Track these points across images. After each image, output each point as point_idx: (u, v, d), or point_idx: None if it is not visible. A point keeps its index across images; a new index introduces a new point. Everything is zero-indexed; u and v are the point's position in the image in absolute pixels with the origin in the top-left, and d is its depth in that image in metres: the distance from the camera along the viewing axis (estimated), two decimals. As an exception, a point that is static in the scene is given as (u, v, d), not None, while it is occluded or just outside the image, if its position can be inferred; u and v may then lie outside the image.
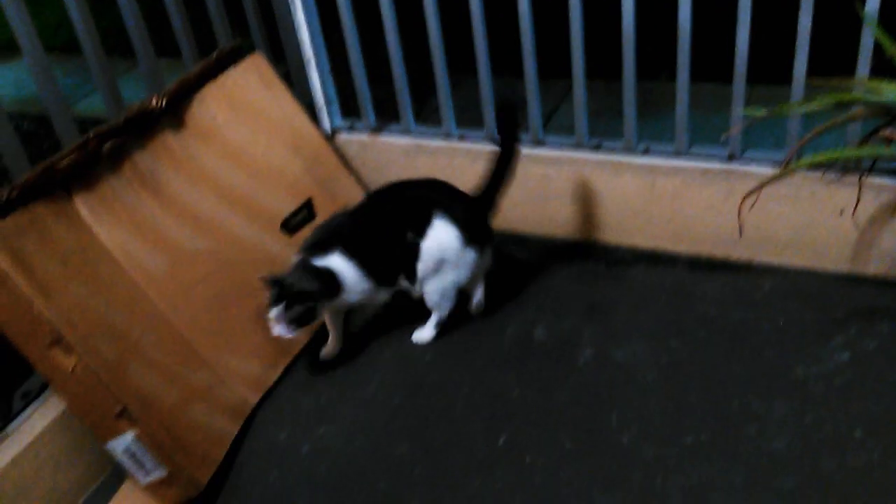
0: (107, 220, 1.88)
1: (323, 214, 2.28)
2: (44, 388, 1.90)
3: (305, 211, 2.26)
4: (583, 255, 2.34)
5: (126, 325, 1.82)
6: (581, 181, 2.30)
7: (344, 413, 1.98)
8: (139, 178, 1.98)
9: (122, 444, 1.77)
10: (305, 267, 1.94)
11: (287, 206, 2.23)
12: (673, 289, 2.17)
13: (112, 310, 1.81)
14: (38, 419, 1.85)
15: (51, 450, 1.85)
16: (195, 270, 2.01)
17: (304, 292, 1.88)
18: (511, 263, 2.36)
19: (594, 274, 2.26)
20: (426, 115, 2.59)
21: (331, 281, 1.93)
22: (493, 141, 2.32)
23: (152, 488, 1.83)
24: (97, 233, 1.86)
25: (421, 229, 1.98)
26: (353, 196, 2.37)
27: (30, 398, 1.89)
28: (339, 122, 2.60)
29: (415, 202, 2.04)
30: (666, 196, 2.22)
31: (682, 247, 2.27)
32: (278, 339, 1.93)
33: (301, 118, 2.34)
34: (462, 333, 2.14)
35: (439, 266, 2.01)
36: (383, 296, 2.07)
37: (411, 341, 2.14)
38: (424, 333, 2.14)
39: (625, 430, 1.81)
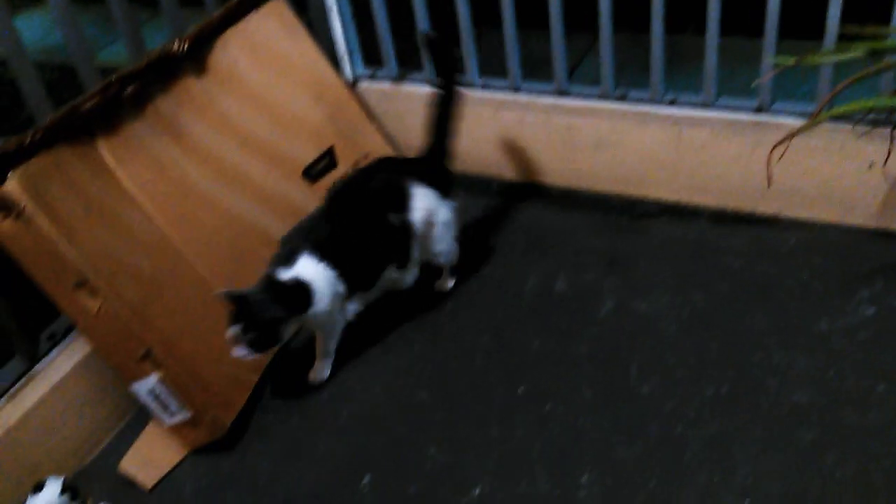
0: (130, 164, 1.88)
1: (344, 163, 2.27)
2: (69, 329, 1.92)
3: (327, 159, 2.25)
4: (605, 207, 2.32)
5: (149, 268, 1.83)
6: (605, 132, 2.27)
7: (365, 360, 1.99)
8: (161, 122, 1.97)
9: (146, 385, 1.80)
10: (269, 285, 1.78)
11: (309, 154, 2.22)
12: (696, 242, 2.15)
13: (135, 253, 1.82)
14: (64, 360, 1.88)
15: (77, 391, 1.88)
16: (216, 217, 2.01)
17: (262, 317, 1.73)
18: (532, 215, 2.34)
19: (617, 226, 2.25)
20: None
21: (298, 295, 1.79)
22: (430, 83, 2.25)
23: (176, 430, 1.86)
24: (120, 176, 1.86)
25: (402, 206, 1.93)
26: (375, 145, 2.36)
27: (56, 339, 1.92)
28: (361, 70, 2.57)
29: (381, 184, 1.96)
30: (692, 148, 2.18)
31: (707, 200, 2.24)
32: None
33: (323, 65, 2.31)
34: (482, 285, 2.14)
35: (436, 229, 1.99)
36: (353, 308, 1.94)
37: (432, 290, 2.14)
38: (446, 283, 2.14)
39: (645, 382, 1.81)
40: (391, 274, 1.98)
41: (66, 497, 1.68)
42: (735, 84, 2.15)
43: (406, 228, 1.94)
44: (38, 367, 1.87)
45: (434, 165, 2.04)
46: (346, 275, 1.86)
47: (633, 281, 2.06)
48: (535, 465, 1.69)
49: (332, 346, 1.96)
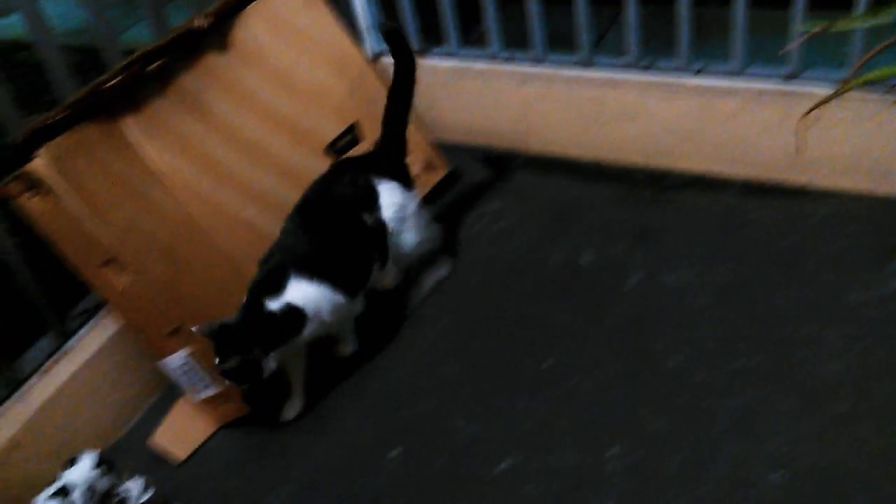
0: (154, 141, 1.88)
1: (368, 139, 2.26)
2: (99, 306, 1.94)
3: (351, 135, 2.24)
4: (632, 179, 2.29)
5: (176, 245, 1.84)
6: (631, 104, 2.24)
7: (391, 335, 1.99)
8: (185, 99, 1.97)
9: (176, 361, 1.81)
10: (257, 316, 1.69)
11: (332, 130, 2.21)
12: (725, 214, 2.12)
13: (162, 230, 1.83)
14: (95, 337, 1.90)
15: (107, 367, 1.90)
16: (242, 194, 2.01)
17: (246, 353, 1.65)
18: (558, 188, 2.33)
19: (644, 199, 2.22)
20: (471, 39, 2.54)
21: (291, 322, 1.72)
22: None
23: (206, 404, 1.87)
24: (145, 154, 1.86)
25: (373, 205, 1.89)
26: (399, 120, 2.34)
27: (86, 316, 1.94)
28: (383, 45, 2.55)
29: (348, 186, 1.90)
30: (720, 118, 2.15)
31: (735, 171, 2.21)
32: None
33: (344, 40, 2.30)
34: (508, 258, 2.13)
35: (404, 224, 1.94)
36: (356, 307, 1.90)
37: (457, 265, 2.13)
38: (441, 272, 2.10)
39: (673, 355, 1.79)
40: (376, 274, 1.92)
41: (99, 471, 1.70)
42: (764, 53, 2.11)
43: (380, 226, 1.90)
44: (69, 343, 1.89)
45: (393, 158, 1.99)
46: (341, 283, 1.80)
47: (660, 253, 2.04)
48: (564, 437, 1.69)
49: (350, 332, 1.96)
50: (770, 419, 1.63)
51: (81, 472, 1.68)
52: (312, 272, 1.75)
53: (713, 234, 2.07)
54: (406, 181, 1.98)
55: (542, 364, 1.84)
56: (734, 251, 2.00)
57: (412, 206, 1.97)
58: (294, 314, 1.72)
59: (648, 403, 1.71)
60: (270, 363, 1.68)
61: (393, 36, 1.98)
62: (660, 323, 1.87)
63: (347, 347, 1.96)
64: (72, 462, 1.70)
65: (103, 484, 1.70)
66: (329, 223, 1.85)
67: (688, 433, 1.64)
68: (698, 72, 2.16)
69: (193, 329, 1.66)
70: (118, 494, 1.61)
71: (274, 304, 1.70)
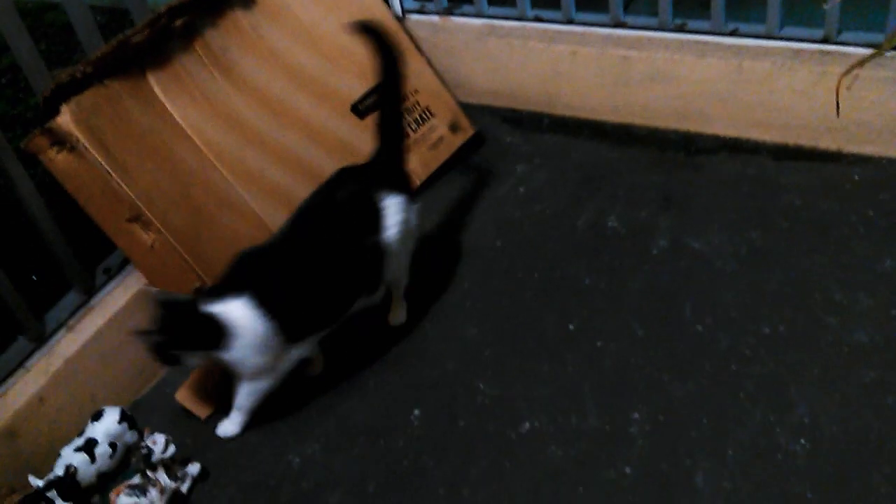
0: (180, 97, 1.87)
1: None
2: (125, 263, 1.95)
3: (376, 94, 2.21)
4: (661, 142, 2.25)
5: (202, 201, 1.84)
6: (662, 64, 2.19)
7: (414, 296, 1.99)
8: (211, 56, 1.96)
9: (199, 318, 1.82)
10: (190, 310, 1.61)
11: (357, 89, 2.19)
12: (756, 178, 2.08)
13: (188, 187, 1.83)
14: (120, 293, 1.91)
15: (132, 323, 1.91)
16: (267, 152, 2.00)
17: (168, 337, 1.60)
18: (585, 151, 2.29)
19: (673, 162, 2.18)
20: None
21: (209, 334, 1.60)
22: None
23: (229, 362, 1.88)
24: (171, 110, 1.86)
25: (376, 225, 1.72)
26: (423, 80, 2.31)
27: (111, 273, 1.95)
28: (410, 3, 2.51)
29: (351, 204, 1.73)
30: (753, 80, 2.10)
31: (768, 135, 2.16)
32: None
33: (371, -3, 2.27)
34: (533, 221, 2.11)
35: (405, 243, 1.80)
36: (297, 354, 1.72)
37: (480, 228, 2.11)
38: (400, 316, 1.92)
39: (699, 320, 1.77)
40: (361, 303, 1.78)
41: (123, 426, 1.72)
42: (799, 13, 2.05)
43: (379, 250, 1.73)
44: (94, 299, 1.91)
45: (395, 167, 1.82)
46: (289, 325, 1.63)
47: (688, 218, 2.01)
48: (586, 401, 1.68)
49: (250, 403, 1.74)
50: (797, 387, 1.61)
51: (106, 426, 1.70)
52: (263, 301, 1.60)
53: (743, 198, 2.03)
54: (410, 192, 1.81)
55: (567, 327, 1.83)
56: (764, 216, 1.96)
57: (413, 221, 1.81)
58: (215, 328, 1.59)
59: (673, 368, 1.69)
60: (191, 360, 1.64)
61: (372, 33, 1.80)
62: (686, 288, 1.84)
63: (317, 367, 1.85)
64: (97, 416, 1.72)
65: (127, 438, 1.73)
66: (314, 248, 1.68)
67: (712, 399, 1.62)
68: (732, 32, 2.11)
69: (153, 291, 1.63)
70: (142, 449, 1.63)
71: (208, 307, 1.59)
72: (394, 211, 1.74)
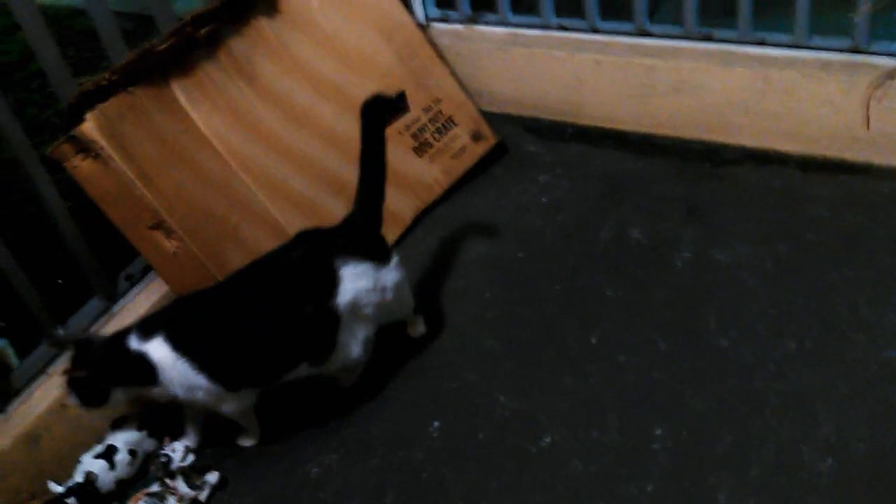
0: (204, 106, 1.88)
1: (415, 107, 2.23)
2: (147, 269, 1.95)
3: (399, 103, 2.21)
4: (685, 153, 2.23)
5: (224, 210, 1.84)
6: (687, 74, 2.17)
7: (434, 307, 1.98)
8: (235, 65, 1.96)
9: (220, 326, 1.82)
10: (114, 346, 1.60)
11: (380, 98, 2.18)
12: (782, 190, 2.05)
13: (210, 195, 1.83)
14: (142, 300, 1.92)
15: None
16: (290, 161, 2.01)
17: (95, 376, 1.58)
18: (608, 161, 2.27)
19: (697, 173, 2.16)
20: (523, 6, 2.48)
21: (138, 372, 1.58)
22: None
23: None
24: (195, 118, 1.87)
25: (326, 291, 1.62)
26: (446, 88, 2.30)
27: (133, 280, 1.96)
28: (433, 11, 2.51)
29: (299, 266, 1.65)
30: (780, 90, 2.07)
31: (794, 146, 2.13)
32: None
33: (395, 6, 2.26)
34: (555, 232, 2.10)
35: (377, 308, 1.70)
36: (246, 399, 1.69)
37: (501, 239, 2.10)
38: (419, 327, 1.88)
39: (723, 334, 1.75)
40: (302, 371, 1.68)
41: (143, 433, 1.73)
42: (828, 23, 2.03)
43: (331, 317, 1.63)
44: (116, 306, 1.92)
45: (366, 231, 1.73)
46: (215, 374, 1.59)
47: (713, 230, 1.98)
48: (608, 415, 1.66)
49: (241, 422, 1.75)
50: (823, 404, 1.58)
51: (126, 433, 1.71)
52: (188, 346, 1.58)
53: (769, 211, 2.00)
54: (380, 256, 1.70)
55: (588, 340, 1.81)
56: (790, 229, 1.94)
57: (390, 277, 1.71)
58: (144, 368, 1.58)
59: (696, 383, 1.67)
60: (119, 395, 1.60)
61: (372, 108, 1.75)
62: (710, 301, 1.82)
63: (246, 439, 1.78)
64: (117, 424, 1.73)
65: (147, 446, 1.73)
66: (250, 305, 1.62)
67: (736, 415, 1.60)
68: (759, 42, 2.08)
69: (60, 332, 1.62)
70: (161, 457, 1.63)
71: (135, 344, 1.59)
72: (353, 277, 1.64)
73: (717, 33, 2.13)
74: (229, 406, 1.67)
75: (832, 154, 2.09)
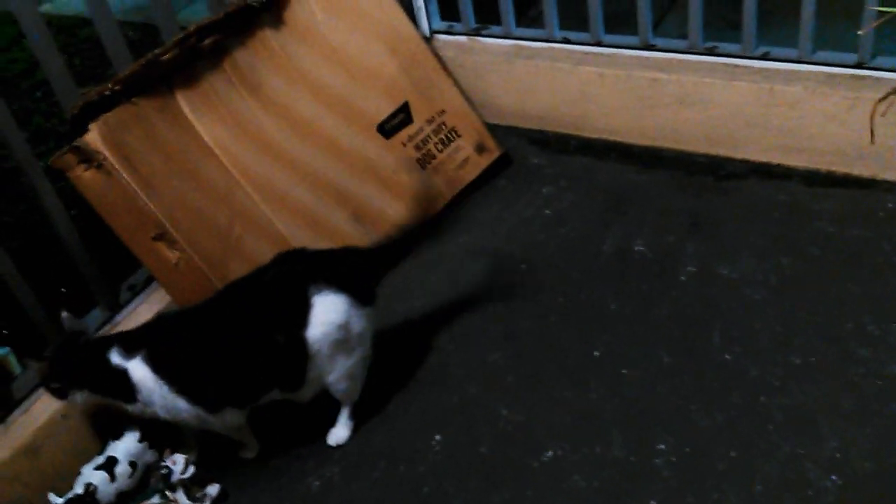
0: (208, 116, 1.88)
1: (419, 119, 2.23)
2: (149, 280, 1.95)
3: (402, 115, 2.21)
4: (689, 166, 2.22)
5: (227, 221, 1.84)
6: (691, 87, 2.17)
7: (436, 319, 1.97)
8: (239, 75, 1.96)
9: (222, 337, 1.81)
10: (96, 358, 1.58)
11: (384, 109, 2.19)
12: (786, 204, 2.04)
13: (214, 206, 1.83)
14: (144, 310, 1.91)
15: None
16: (293, 172, 2.00)
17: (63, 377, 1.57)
18: (612, 173, 2.27)
19: (701, 187, 2.15)
20: (527, 19, 2.49)
21: (118, 386, 1.57)
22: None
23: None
24: (198, 129, 1.87)
25: (296, 319, 1.56)
26: (450, 100, 2.30)
27: (136, 290, 1.95)
28: (438, 23, 2.52)
29: (275, 288, 1.60)
30: (784, 104, 2.07)
31: (799, 160, 2.13)
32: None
33: (399, 17, 2.26)
34: (558, 244, 2.09)
35: (340, 348, 1.61)
36: (232, 418, 1.65)
37: (502, 253, 2.10)
38: (341, 432, 1.74)
39: (728, 348, 1.74)
40: (275, 395, 1.65)
41: (144, 445, 1.72)
42: (832, 37, 2.03)
43: (300, 346, 1.57)
44: (118, 316, 1.91)
45: (357, 263, 1.68)
46: (192, 395, 1.58)
47: (717, 244, 1.98)
48: (610, 429, 1.65)
49: (241, 438, 1.74)
50: (827, 420, 1.57)
51: (127, 445, 1.70)
52: (168, 368, 1.56)
53: (773, 225, 2.00)
54: (363, 295, 1.63)
55: (591, 353, 1.80)
56: (795, 244, 1.93)
57: (356, 327, 1.62)
58: (123, 384, 1.57)
59: (700, 398, 1.66)
60: (77, 398, 1.59)
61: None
62: (714, 315, 1.81)
63: (245, 452, 1.76)
64: (118, 435, 1.72)
65: (147, 458, 1.72)
66: (225, 326, 1.59)
67: (740, 430, 1.59)
68: (763, 56, 2.08)
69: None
70: (162, 469, 1.62)
71: (116, 359, 1.57)
72: (326, 309, 1.56)
73: (722, 47, 2.13)
74: (216, 425, 1.66)
75: (837, 168, 2.09)
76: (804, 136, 2.09)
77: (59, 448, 1.73)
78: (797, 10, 1.97)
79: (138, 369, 1.56)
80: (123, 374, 1.56)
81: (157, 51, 1.81)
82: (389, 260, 1.75)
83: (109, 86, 1.72)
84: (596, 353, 1.80)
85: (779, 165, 2.15)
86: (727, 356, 1.72)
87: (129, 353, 1.57)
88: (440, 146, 2.25)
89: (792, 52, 2.05)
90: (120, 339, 1.62)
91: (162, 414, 1.61)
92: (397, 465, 1.69)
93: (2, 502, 1.66)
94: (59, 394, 1.60)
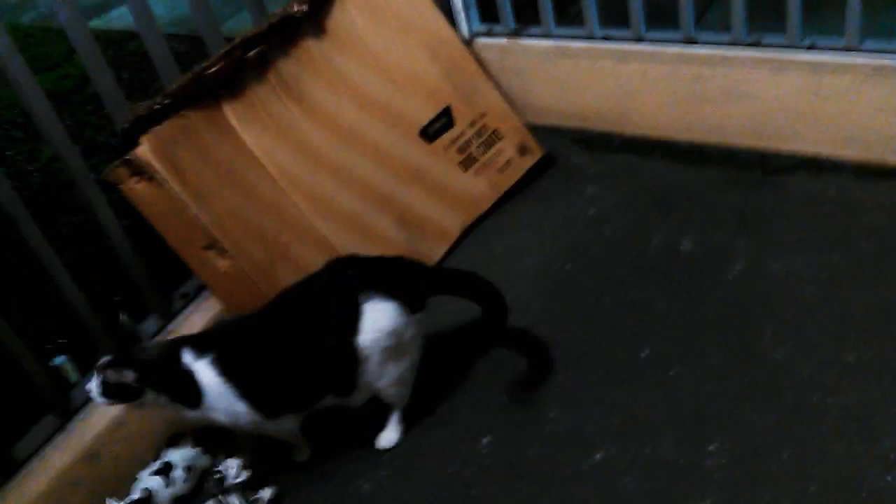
0: (254, 126, 1.91)
1: (462, 122, 2.24)
2: (201, 288, 1.99)
3: (444, 119, 2.22)
4: (736, 161, 2.19)
5: (275, 229, 1.87)
6: (736, 82, 2.14)
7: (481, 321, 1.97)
8: (283, 85, 1.99)
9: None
10: (169, 353, 1.60)
11: (426, 114, 2.20)
12: (837, 198, 2.00)
13: (261, 215, 1.86)
14: (197, 318, 1.96)
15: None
16: (337, 179, 2.03)
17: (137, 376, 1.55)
18: (657, 171, 2.25)
19: (749, 182, 2.12)
20: (567, 18, 2.48)
21: (186, 390, 1.59)
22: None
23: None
24: (245, 139, 1.90)
25: (347, 326, 1.58)
26: (492, 103, 2.31)
27: (188, 298, 1.99)
28: (478, 26, 2.52)
29: (327, 294, 1.63)
30: (832, 96, 2.03)
31: (849, 153, 2.08)
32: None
33: (439, 22, 2.27)
34: (603, 244, 2.08)
35: (390, 354, 1.63)
36: (287, 424, 1.69)
37: (548, 252, 2.09)
38: (391, 435, 1.76)
39: (779, 347, 1.71)
40: (329, 401, 1.68)
41: (198, 450, 1.75)
42: (880, 27, 1.98)
43: (351, 352, 1.59)
44: (171, 324, 1.95)
45: (408, 272, 1.70)
46: (253, 400, 1.60)
47: (766, 240, 1.95)
48: (660, 430, 1.64)
49: (292, 441, 1.77)
50: (883, 419, 1.53)
51: (182, 450, 1.73)
52: (232, 371, 1.58)
53: (824, 219, 1.96)
54: (413, 303, 1.64)
55: (638, 354, 1.79)
56: (847, 238, 1.89)
57: (406, 335, 1.64)
58: (190, 386, 1.58)
59: (752, 398, 1.64)
60: (148, 398, 1.58)
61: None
62: (765, 313, 1.78)
63: (297, 455, 1.79)
64: (174, 441, 1.76)
65: (202, 462, 1.76)
66: (282, 332, 1.62)
67: (793, 430, 1.56)
68: (810, 47, 2.04)
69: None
70: (216, 473, 1.66)
71: (186, 360, 1.58)
72: (376, 316, 1.59)
73: (767, 39, 2.10)
74: (271, 430, 1.68)
75: (889, 160, 2.04)
76: (854, 127, 2.05)
77: (116, 454, 1.78)
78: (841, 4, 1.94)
79: (206, 372, 1.58)
80: (191, 376, 1.58)
81: (204, 64, 1.84)
82: (441, 282, 1.77)
83: (159, 100, 1.76)
84: (643, 354, 1.79)
85: (828, 158, 2.11)
86: (778, 355, 1.70)
87: (197, 356, 1.59)
88: (482, 149, 2.25)
89: (840, 42, 2.01)
90: (189, 341, 1.63)
91: (221, 418, 1.62)
92: (446, 468, 1.70)
93: (64, 507, 1.71)
94: (131, 393, 1.57)
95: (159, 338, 1.92)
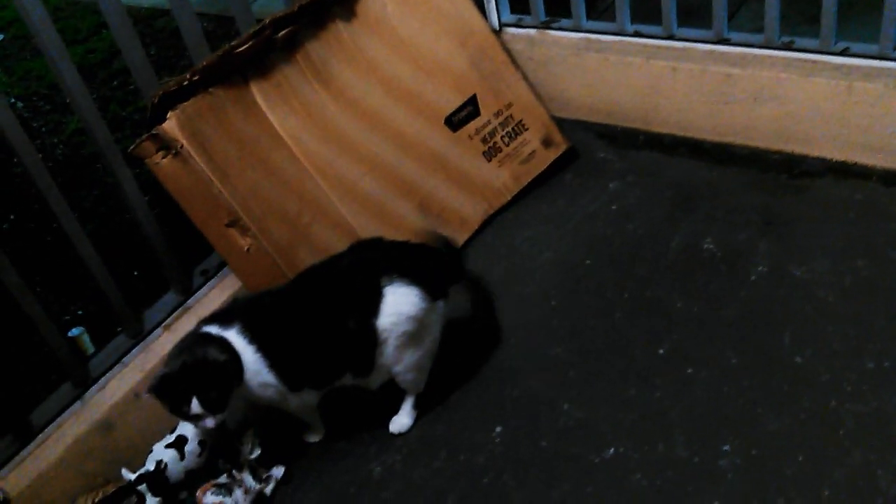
0: (280, 107, 1.92)
1: (487, 112, 2.23)
2: (221, 265, 2.00)
3: (470, 107, 2.22)
4: (763, 163, 2.17)
5: (297, 210, 1.88)
6: (767, 83, 2.12)
7: (500, 313, 1.97)
8: (311, 67, 1.99)
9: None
10: (201, 338, 1.58)
11: (452, 102, 2.19)
12: (863, 204, 1.98)
13: (284, 195, 1.87)
14: (216, 295, 1.97)
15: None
16: (361, 163, 2.03)
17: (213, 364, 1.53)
18: (681, 169, 2.23)
19: (775, 185, 2.10)
20: (598, 11, 2.46)
21: (233, 353, 1.57)
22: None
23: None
24: (271, 119, 1.90)
25: (369, 308, 1.60)
26: (518, 93, 2.30)
27: (208, 275, 2.00)
28: (507, 16, 2.51)
29: (350, 275, 1.64)
30: (864, 102, 2.01)
31: (878, 159, 2.06)
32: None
33: (469, 10, 2.26)
34: (624, 240, 2.07)
35: (409, 339, 1.64)
36: (308, 399, 1.69)
37: (564, 245, 2.09)
38: (404, 420, 1.77)
39: (798, 351, 1.70)
40: (348, 380, 1.69)
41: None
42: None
43: (369, 336, 1.61)
44: (191, 300, 1.96)
45: (429, 257, 1.72)
46: (281, 371, 1.60)
47: (790, 243, 1.93)
48: (674, 429, 1.63)
49: (309, 419, 1.78)
50: (902, 427, 1.53)
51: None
52: (264, 341, 1.58)
53: (849, 225, 1.94)
54: (434, 290, 1.66)
55: (656, 351, 1.78)
56: (871, 245, 1.87)
57: (426, 321, 1.65)
58: (237, 362, 1.57)
59: (768, 400, 1.63)
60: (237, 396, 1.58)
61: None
62: (785, 316, 1.77)
63: (311, 435, 1.80)
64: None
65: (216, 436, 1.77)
66: (306, 308, 1.63)
67: (809, 435, 1.55)
68: (842, 52, 2.02)
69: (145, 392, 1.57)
70: (230, 448, 1.67)
71: (214, 332, 1.58)
72: (397, 301, 1.60)
73: (799, 42, 2.08)
74: (293, 404, 1.69)
75: (918, 168, 2.02)
76: (884, 134, 2.03)
77: (131, 425, 1.79)
78: (879, 4, 1.91)
79: (237, 341, 1.57)
80: (230, 346, 1.56)
81: (233, 42, 1.85)
82: (461, 268, 1.80)
83: (188, 76, 1.77)
84: (661, 352, 1.78)
85: (856, 164, 2.09)
86: (797, 359, 1.69)
87: (224, 327, 1.59)
88: (507, 139, 2.25)
89: (873, 48, 1.98)
90: (216, 315, 1.64)
91: (250, 388, 1.59)
92: (458, 455, 1.70)
93: (77, 476, 1.73)
94: (223, 402, 1.54)
95: (178, 314, 1.93)
